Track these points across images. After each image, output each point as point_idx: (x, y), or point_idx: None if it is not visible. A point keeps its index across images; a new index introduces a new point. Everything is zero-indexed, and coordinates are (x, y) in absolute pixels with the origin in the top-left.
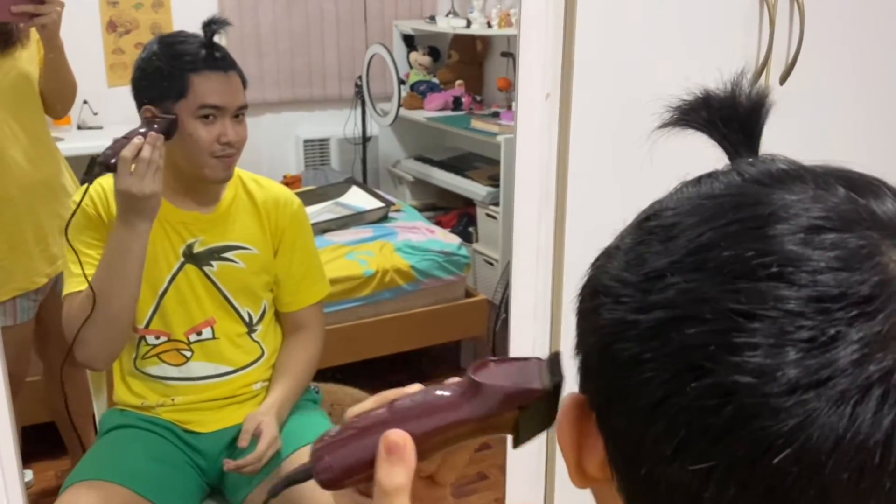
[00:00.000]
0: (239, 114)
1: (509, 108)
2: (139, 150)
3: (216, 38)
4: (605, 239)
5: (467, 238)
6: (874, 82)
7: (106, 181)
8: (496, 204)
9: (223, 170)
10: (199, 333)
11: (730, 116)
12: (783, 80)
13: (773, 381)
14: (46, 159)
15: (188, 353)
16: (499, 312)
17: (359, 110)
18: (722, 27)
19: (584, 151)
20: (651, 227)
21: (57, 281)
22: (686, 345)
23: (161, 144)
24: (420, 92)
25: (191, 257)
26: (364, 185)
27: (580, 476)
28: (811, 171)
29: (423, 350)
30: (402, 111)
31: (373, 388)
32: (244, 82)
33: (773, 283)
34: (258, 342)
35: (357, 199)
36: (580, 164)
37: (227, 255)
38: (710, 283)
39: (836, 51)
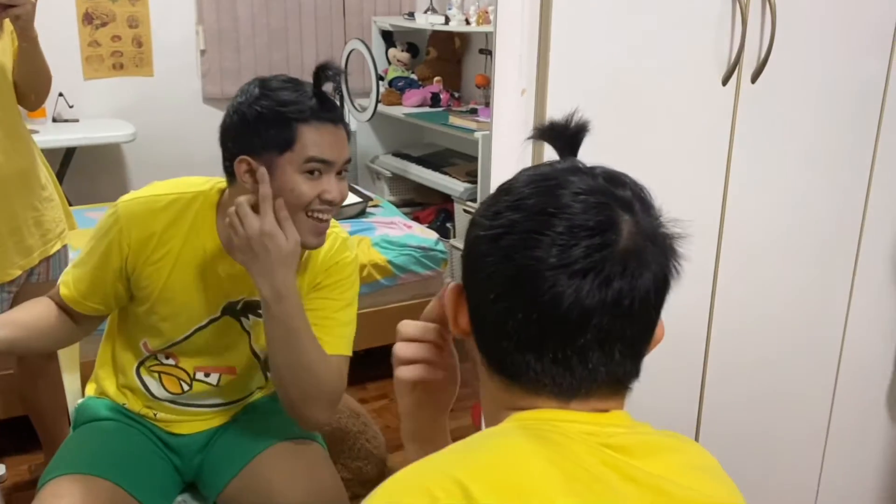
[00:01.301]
0: (343, 170)
1: (487, 104)
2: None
3: (326, 88)
4: None
5: (445, 234)
6: (843, 81)
7: (140, 219)
8: (474, 200)
9: (316, 234)
10: (207, 375)
11: (560, 134)
12: (755, 78)
13: (544, 263)
14: (21, 151)
15: (187, 387)
16: None
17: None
18: (695, 26)
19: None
20: (502, 189)
21: (31, 272)
22: (506, 246)
23: (268, 181)
24: (398, 88)
25: (229, 312)
26: None
27: (457, 328)
28: (590, 168)
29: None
30: (381, 107)
31: (349, 384)
32: (349, 135)
33: (552, 218)
34: (265, 373)
35: None
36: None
37: (260, 309)
38: (522, 217)
39: (807, 50)
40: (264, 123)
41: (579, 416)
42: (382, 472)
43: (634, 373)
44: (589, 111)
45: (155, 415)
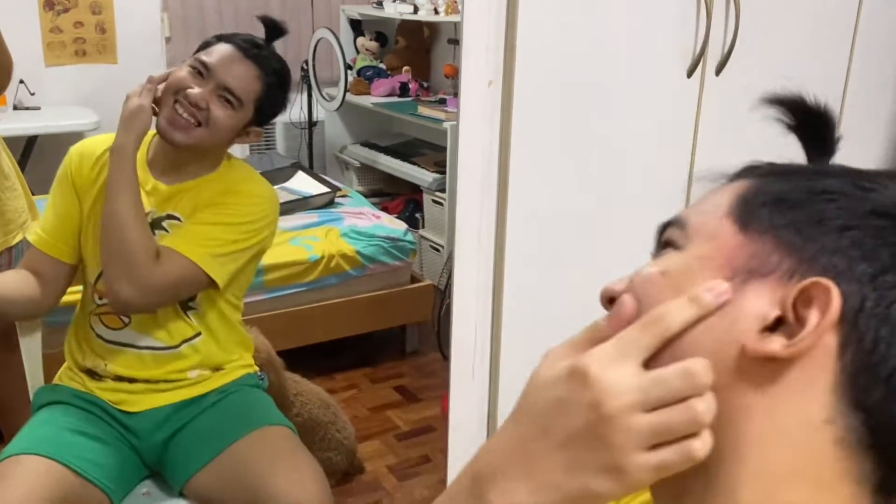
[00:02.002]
0: (225, 96)
1: (456, 94)
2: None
3: (273, 42)
4: (546, 223)
5: (414, 224)
6: (806, 74)
7: (84, 146)
8: (442, 190)
9: (169, 124)
10: None
11: (817, 122)
12: (719, 70)
13: None
14: None
15: (126, 319)
16: (444, 298)
17: (305, 95)
18: (661, 19)
19: (526, 138)
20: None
21: None
22: None
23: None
24: (367, 77)
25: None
26: (310, 171)
27: (801, 348)
28: None
29: (368, 335)
30: (349, 96)
31: (317, 374)
32: (264, 83)
33: None
34: (193, 321)
35: (303, 184)
36: (522, 150)
37: (164, 223)
38: None
39: (770, 43)
40: (205, 43)
41: None
42: (352, 462)
43: None
44: (555, 103)
45: (106, 365)
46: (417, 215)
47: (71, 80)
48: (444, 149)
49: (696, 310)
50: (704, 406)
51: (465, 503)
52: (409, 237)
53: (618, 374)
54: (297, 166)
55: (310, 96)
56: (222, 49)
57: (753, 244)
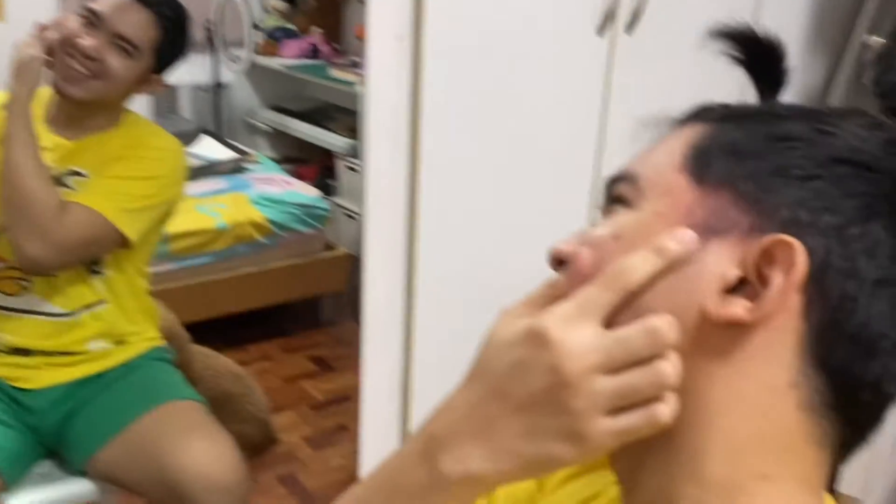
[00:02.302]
0: (120, 44)
1: None
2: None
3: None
4: (462, 182)
5: (327, 191)
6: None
7: None
8: (356, 156)
9: (61, 76)
10: None
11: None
12: (629, 28)
13: None
14: None
15: (26, 283)
16: (359, 266)
17: (210, 56)
18: None
19: (437, 94)
20: None
21: None
22: None
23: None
24: (275, 38)
25: None
26: (216, 135)
27: (765, 307)
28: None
29: (281, 306)
30: (257, 58)
31: (229, 346)
32: (161, 27)
33: None
34: (98, 287)
35: (209, 149)
36: (434, 107)
37: (67, 180)
38: None
39: (681, 1)
40: None
41: None
42: (266, 435)
43: None
44: (465, 59)
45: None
46: (331, 182)
47: None
48: (357, 113)
49: (661, 261)
50: (670, 367)
51: (416, 466)
52: (323, 204)
53: (578, 334)
54: (202, 131)
55: (216, 58)
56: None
57: (710, 199)
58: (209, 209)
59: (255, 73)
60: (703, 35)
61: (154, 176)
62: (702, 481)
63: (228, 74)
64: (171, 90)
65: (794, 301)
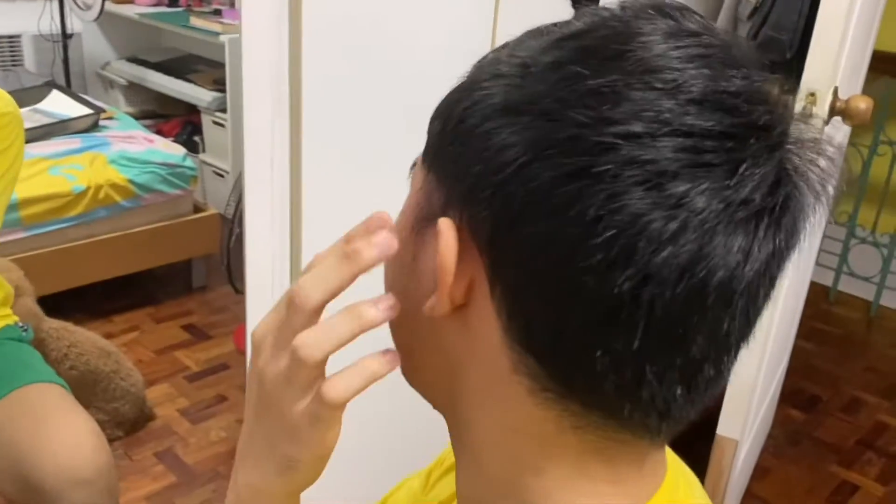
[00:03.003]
0: None
1: (232, 5)
2: None
3: None
4: (347, 139)
5: (193, 148)
6: None
7: None
8: (223, 111)
9: None
10: None
11: None
12: None
13: (697, 208)
14: None
15: None
16: (232, 227)
17: (55, 3)
18: None
19: (318, 46)
20: (568, 43)
21: None
22: (611, 174)
23: None
24: None
25: None
26: (67, 90)
27: (443, 303)
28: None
29: (149, 272)
30: (109, 5)
31: (93, 318)
32: None
33: (711, 114)
34: None
35: (59, 104)
36: (315, 59)
37: None
38: (644, 107)
39: None
40: None
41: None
42: (141, 411)
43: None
44: (346, 8)
45: None
46: (196, 138)
47: None
48: (223, 65)
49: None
50: (368, 307)
51: (230, 488)
52: (189, 162)
53: (258, 329)
54: (50, 84)
55: (62, 4)
56: None
57: (428, 182)
58: (63, 171)
59: (107, 22)
60: None
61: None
62: (487, 479)
63: (77, 23)
64: (13, 40)
65: (482, 284)
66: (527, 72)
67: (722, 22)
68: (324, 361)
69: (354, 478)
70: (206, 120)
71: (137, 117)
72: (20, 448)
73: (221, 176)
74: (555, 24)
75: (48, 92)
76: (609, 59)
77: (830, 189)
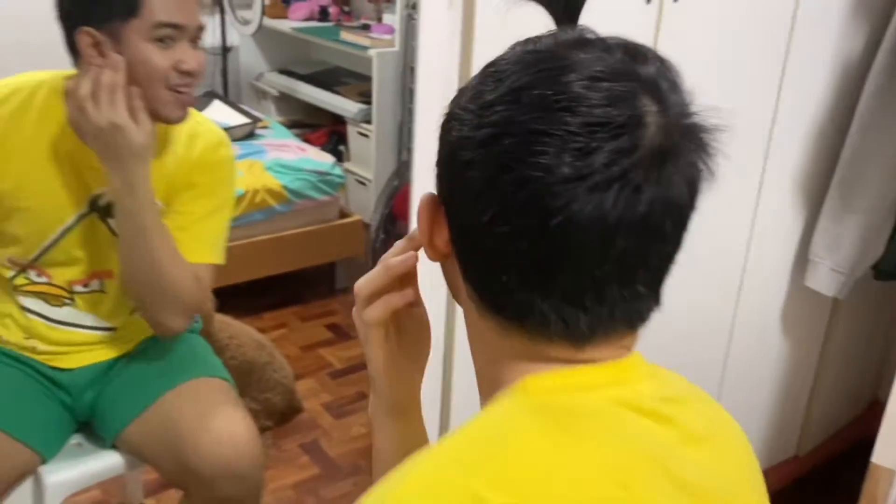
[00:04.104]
0: (197, 37)
1: (380, 20)
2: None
3: None
4: None
5: (338, 157)
6: (762, 1)
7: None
8: (368, 122)
9: (179, 107)
10: (86, 285)
11: None
12: None
13: (556, 174)
14: None
15: (68, 300)
16: (378, 233)
17: (218, 18)
18: None
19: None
20: (489, 72)
21: None
22: (502, 151)
23: (124, 67)
24: (284, 0)
25: (95, 209)
26: (227, 100)
27: (432, 250)
28: (602, 40)
29: (297, 273)
30: (266, 20)
31: (244, 314)
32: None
33: (561, 113)
34: None
35: (220, 114)
36: None
37: None
38: (522, 112)
39: None
40: None
41: (600, 373)
42: (290, 403)
43: (656, 303)
44: (517, 26)
45: (34, 348)
46: (341, 147)
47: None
48: (369, 78)
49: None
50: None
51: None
52: (337, 171)
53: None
54: (212, 94)
55: (223, 19)
56: None
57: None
58: None
59: (263, 36)
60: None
61: (230, 196)
62: (481, 376)
63: (236, 37)
64: None
65: (445, 236)
66: (481, 116)
67: (888, 37)
68: (368, 296)
69: None
70: (351, 130)
71: (287, 126)
72: (183, 434)
73: (364, 184)
74: (498, 79)
75: (210, 102)
76: (542, 108)
77: (701, 165)
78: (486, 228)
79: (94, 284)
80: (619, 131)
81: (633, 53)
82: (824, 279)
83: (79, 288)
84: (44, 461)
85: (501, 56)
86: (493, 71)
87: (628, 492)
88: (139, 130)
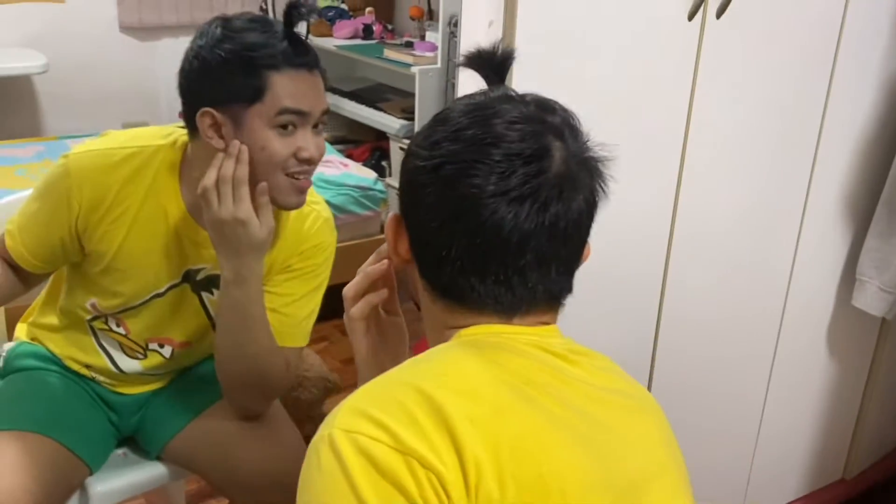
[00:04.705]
0: (319, 123)
1: (422, 37)
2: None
3: (299, 28)
4: None
5: (381, 172)
6: (803, 17)
7: (95, 176)
8: (410, 137)
9: (297, 194)
10: (162, 346)
11: (488, 62)
12: (720, 13)
13: (485, 191)
14: None
15: (140, 356)
16: None
17: None
18: None
19: (528, 80)
20: (439, 118)
21: None
22: (446, 175)
23: (247, 159)
24: (328, 18)
25: (189, 281)
26: None
27: (397, 257)
28: (522, 96)
29: (339, 286)
30: (310, 38)
31: None
32: (325, 82)
33: (489, 147)
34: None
35: None
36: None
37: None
38: (461, 147)
39: None
40: (229, 71)
41: (520, 329)
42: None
43: (568, 289)
44: (557, 44)
45: (94, 378)
46: (384, 163)
47: (16, 20)
48: (411, 94)
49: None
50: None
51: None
52: (379, 186)
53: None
54: None
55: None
56: (294, 78)
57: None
58: None
59: None
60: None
61: (325, 277)
62: (428, 328)
63: None
64: None
65: (406, 244)
66: (431, 150)
67: None
68: (353, 297)
69: None
70: (393, 146)
71: (330, 142)
72: (233, 444)
73: None
74: (444, 123)
75: None
76: (475, 144)
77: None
78: (436, 232)
79: (167, 352)
80: (530, 159)
81: (543, 106)
82: (872, 299)
83: (154, 346)
84: (91, 473)
85: (448, 107)
86: (441, 118)
87: (532, 385)
88: (262, 227)
